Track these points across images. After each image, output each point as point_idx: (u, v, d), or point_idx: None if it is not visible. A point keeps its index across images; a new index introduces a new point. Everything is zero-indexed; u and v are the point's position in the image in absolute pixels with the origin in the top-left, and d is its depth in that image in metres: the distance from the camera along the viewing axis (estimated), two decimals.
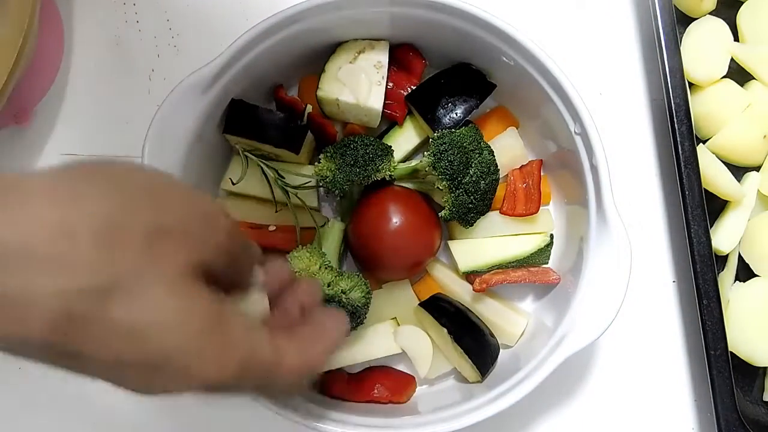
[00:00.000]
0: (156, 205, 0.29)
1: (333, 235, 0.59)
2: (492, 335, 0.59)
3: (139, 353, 0.27)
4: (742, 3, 0.67)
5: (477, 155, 0.57)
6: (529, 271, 0.60)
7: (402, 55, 0.62)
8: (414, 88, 0.61)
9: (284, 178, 0.58)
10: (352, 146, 0.57)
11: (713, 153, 0.64)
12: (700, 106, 0.65)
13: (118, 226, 0.27)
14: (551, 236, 0.62)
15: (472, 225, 0.60)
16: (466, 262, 0.60)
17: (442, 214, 0.58)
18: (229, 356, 0.30)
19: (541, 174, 0.62)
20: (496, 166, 0.59)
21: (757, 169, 0.66)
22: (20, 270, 0.24)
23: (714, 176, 0.63)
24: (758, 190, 0.65)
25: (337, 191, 0.58)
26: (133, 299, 0.26)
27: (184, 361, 0.28)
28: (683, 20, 0.67)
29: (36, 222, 0.25)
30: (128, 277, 0.26)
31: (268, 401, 0.43)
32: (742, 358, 0.63)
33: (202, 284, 0.29)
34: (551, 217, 0.63)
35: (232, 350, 0.30)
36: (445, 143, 0.56)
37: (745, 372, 0.63)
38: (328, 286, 0.54)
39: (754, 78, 0.67)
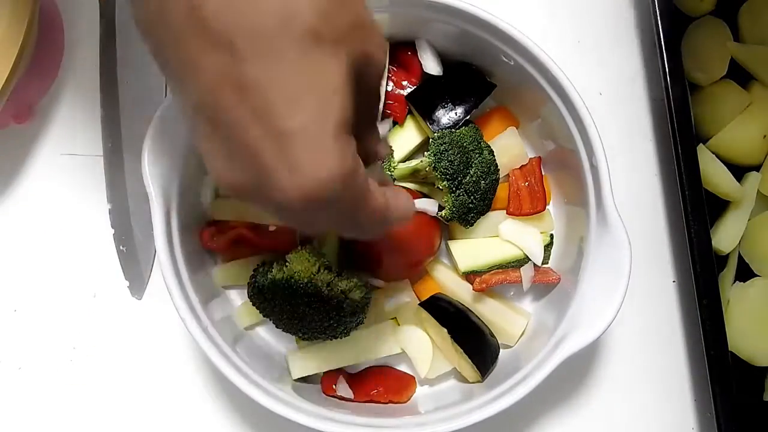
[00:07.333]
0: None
1: (333, 235, 0.59)
2: (492, 335, 0.59)
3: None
4: (742, 3, 0.67)
5: (477, 155, 0.57)
6: None
7: (402, 55, 0.62)
8: (414, 88, 0.61)
9: None
10: None
11: (713, 153, 0.64)
12: (700, 106, 0.65)
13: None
14: (551, 236, 0.62)
15: (472, 225, 0.60)
16: (466, 262, 0.60)
17: (442, 214, 0.58)
18: (341, 159, 0.31)
19: (542, 172, 0.62)
20: (497, 166, 0.59)
21: (757, 168, 0.66)
22: None
23: (714, 176, 0.63)
24: (758, 190, 0.65)
25: None
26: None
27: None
28: (683, 20, 0.67)
29: None
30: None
31: (344, 230, 0.42)
32: (742, 358, 0.63)
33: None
34: (551, 217, 0.63)
35: (343, 158, 0.32)
36: (445, 143, 0.56)
37: (745, 372, 0.63)
38: (328, 286, 0.54)
39: (754, 78, 0.67)
